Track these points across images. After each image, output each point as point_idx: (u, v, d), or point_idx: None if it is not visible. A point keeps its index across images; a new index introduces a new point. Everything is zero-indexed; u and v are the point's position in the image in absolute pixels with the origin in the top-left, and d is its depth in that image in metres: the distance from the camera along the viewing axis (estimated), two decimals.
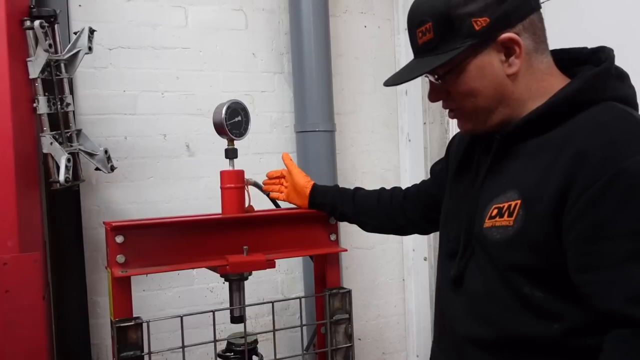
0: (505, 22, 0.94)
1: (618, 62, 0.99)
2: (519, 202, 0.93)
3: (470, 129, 1.06)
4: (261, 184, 1.65)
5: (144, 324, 1.36)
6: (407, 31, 1.05)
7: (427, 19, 0.97)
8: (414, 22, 1.01)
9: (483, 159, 1.05)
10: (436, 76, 1.01)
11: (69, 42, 1.83)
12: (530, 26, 0.96)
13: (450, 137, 1.31)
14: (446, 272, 1.09)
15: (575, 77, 0.97)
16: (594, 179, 0.83)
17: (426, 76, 1.03)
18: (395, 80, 1.05)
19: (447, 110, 1.08)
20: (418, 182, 1.48)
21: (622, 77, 0.98)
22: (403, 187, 1.50)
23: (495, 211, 0.96)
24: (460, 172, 1.15)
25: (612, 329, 0.84)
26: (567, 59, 1.02)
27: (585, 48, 1.02)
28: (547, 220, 0.88)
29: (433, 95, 1.06)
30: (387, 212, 1.46)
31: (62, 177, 1.69)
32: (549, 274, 0.90)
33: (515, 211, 0.92)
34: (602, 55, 0.98)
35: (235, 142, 1.56)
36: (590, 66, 0.97)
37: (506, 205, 0.94)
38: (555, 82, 0.98)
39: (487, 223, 0.97)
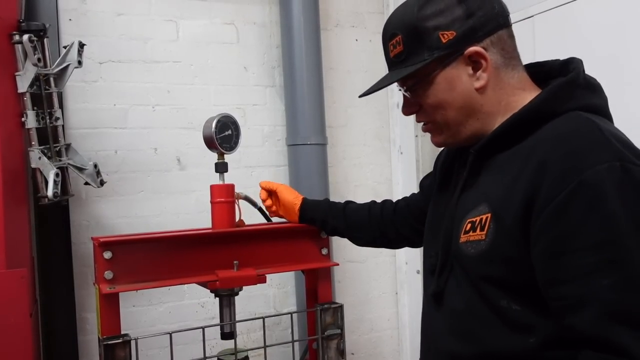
0: (472, 36, 0.96)
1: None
2: (489, 215, 0.93)
3: (441, 142, 1.07)
4: (252, 198, 1.63)
5: (132, 341, 1.34)
6: None
7: (397, 32, 1.01)
8: (387, 35, 1.04)
9: (460, 174, 1.06)
10: (405, 88, 1.04)
11: (59, 56, 1.83)
12: (498, 41, 0.97)
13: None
14: (427, 289, 1.09)
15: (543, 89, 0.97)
16: (556, 192, 0.83)
17: (400, 90, 1.06)
18: (368, 90, 1.11)
19: (421, 124, 1.10)
20: (410, 194, 1.47)
21: (592, 87, 0.97)
22: (395, 200, 1.49)
23: (469, 225, 0.97)
24: (441, 187, 1.16)
25: (579, 345, 0.83)
26: (541, 72, 1.03)
27: (557, 60, 1.03)
28: (515, 233, 0.88)
29: (406, 109, 1.09)
30: (378, 225, 1.45)
31: (50, 192, 1.68)
32: (524, 287, 0.90)
33: (487, 225, 0.93)
34: (570, 67, 0.98)
35: (225, 155, 1.55)
36: (560, 78, 0.97)
37: (478, 219, 0.95)
38: (529, 96, 0.98)
39: (462, 238, 0.98)
